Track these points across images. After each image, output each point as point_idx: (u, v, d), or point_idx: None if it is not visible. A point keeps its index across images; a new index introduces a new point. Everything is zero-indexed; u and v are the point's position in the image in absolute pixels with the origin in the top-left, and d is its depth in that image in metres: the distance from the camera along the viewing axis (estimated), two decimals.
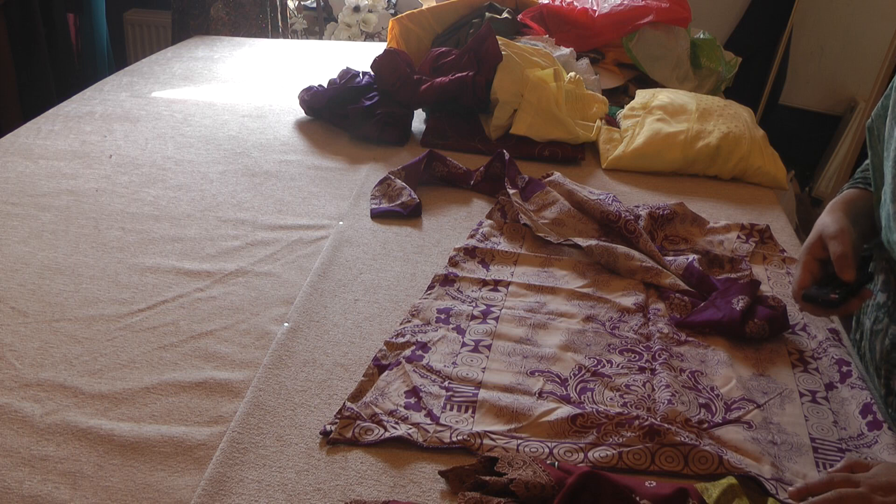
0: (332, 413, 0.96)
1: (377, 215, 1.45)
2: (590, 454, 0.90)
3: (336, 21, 3.19)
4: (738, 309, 1.12)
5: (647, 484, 0.82)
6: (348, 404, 0.97)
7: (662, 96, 1.81)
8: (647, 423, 0.92)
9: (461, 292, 1.22)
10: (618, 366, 1.06)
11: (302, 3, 3.32)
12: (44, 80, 2.85)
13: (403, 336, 1.10)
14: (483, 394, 0.99)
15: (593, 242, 1.30)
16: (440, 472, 0.87)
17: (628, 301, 1.20)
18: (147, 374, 1.02)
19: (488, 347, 1.09)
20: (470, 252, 1.32)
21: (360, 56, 2.34)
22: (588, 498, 0.79)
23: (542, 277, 1.27)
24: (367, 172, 1.63)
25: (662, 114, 1.74)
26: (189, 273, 1.24)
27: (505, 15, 2.13)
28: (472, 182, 1.57)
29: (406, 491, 0.86)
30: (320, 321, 1.14)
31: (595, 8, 2.17)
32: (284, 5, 3.10)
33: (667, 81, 2.07)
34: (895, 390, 1.00)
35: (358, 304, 1.19)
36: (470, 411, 0.96)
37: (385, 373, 1.03)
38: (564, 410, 0.95)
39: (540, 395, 0.99)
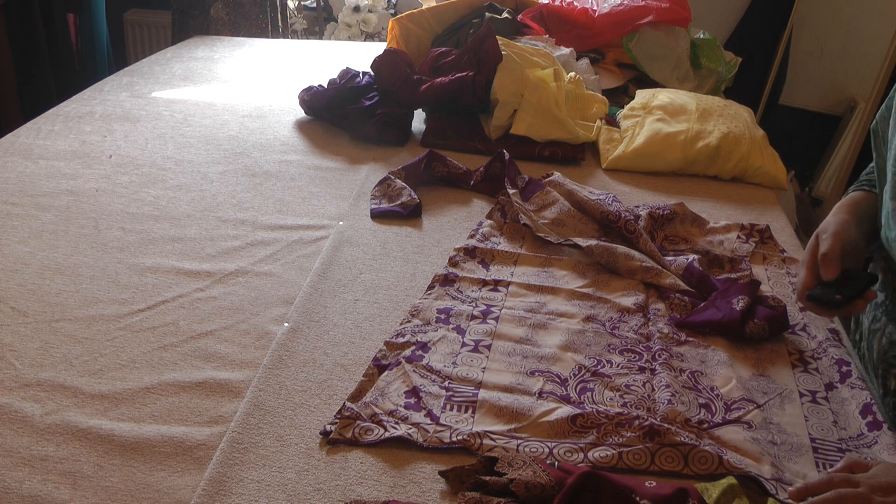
0: (332, 413, 0.96)
1: (377, 215, 1.45)
2: (590, 454, 0.90)
3: (336, 21, 3.19)
4: (738, 309, 1.12)
5: (647, 484, 0.82)
6: (348, 404, 0.97)
7: (662, 96, 1.81)
8: (647, 423, 0.92)
9: (461, 292, 1.22)
10: (618, 366, 1.06)
11: (302, 3, 3.32)
12: (44, 80, 2.85)
13: (403, 336, 1.10)
14: (483, 394, 0.99)
15: (593, 242, 1.30)
16: (440, 472, 0.87)
17: (628, 301, 1.20)
18: (147, 374, 1.02)
19: (488, 347, 1.09)
20: (470, 252, 1.32)
21: (360, 56, 2.34)
22: (588, 498, 0.79)
23: (542, 277, 1.27)
24: (367, 172, 1.63)
25: (662, 114, 1.74)
26: (189, 273, 1.24)
27: (505, 15, 2.13)
28: (472, 182, 1.57)
29: (406, 491, 0.86)
30: (320, 321, 1.14)
31: (595, 8, 2.17)
32: (284, 5, 3.10)
33: (667, 81, 2.07)
34: (892, 390, 1.00)
35: (358, 304, 1.19)
36: (470, 411, 0.96)
37: (385, 373, 1.03)
38: (564, 410, 0.95)
39: (540, 395, 0.99)
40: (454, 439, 0.91)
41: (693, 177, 1.68)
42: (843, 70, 3.05)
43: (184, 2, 2.92)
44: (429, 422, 0.94)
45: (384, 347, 1.08)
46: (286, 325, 1.13)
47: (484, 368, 1.04)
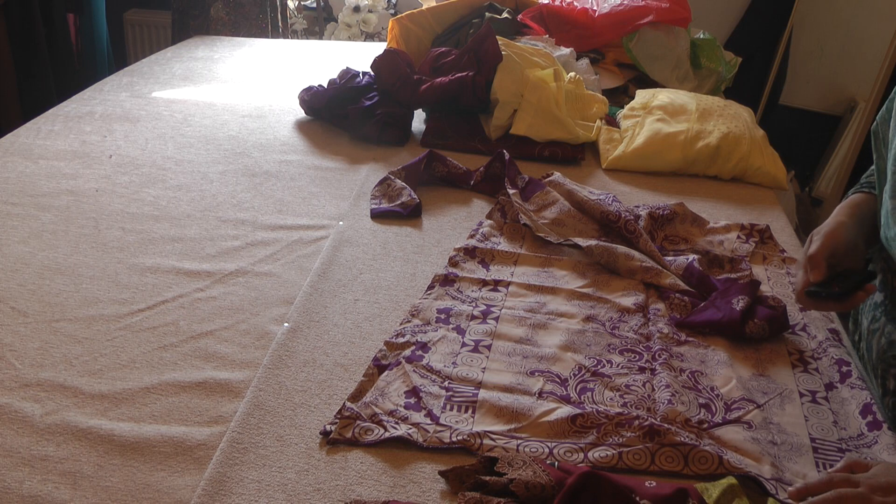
0: (332, 413, 0.96)
1: (377, 215, 1.45)
2: (590, 454, 0.90)
3: (336, 21, 3.19)
4: (738, 309, 1.12)
5: (647, 484, 0.82)
6: (348, 404, 0.97)
7: (662, 96, 1.81)
8: (647, 423, 0.92)
9: (461, 292, 1.22)
10: (618, 366, 1.06)
11: (302, 3, 3.32)
12: (44, 80, 2.85)
13: (403, 336, 1.10)
14: (483, 394, 0.99)
15: (593, 242, 1.30)
16: (440, 472, 0.87)
17: (628, 301, 1.20)
18: (147, 374, 1.02)
19: (488, 347, 1.09)
20: (470, 252, 1.32)
21: (360, 56, 2.34)
22: (588, 498, 0.79)
23: (542, 277, 1.27)
24: (367, 172, 1.63)
25: (662, 114, 1.74)
26: (189, 273, 1.24)
27: (505, 15, 2.13)
28: (472, 182, 1.57)
29: (406, 491, 0.86)
30: (320, 321, 1.14)
31: (595, 8, 2.17)
32: (284, 5, 3.10)
33: (667, 81, 2.07)
34: (891, 390, 1.00)
35: (358, 304, 1.19)
36: (470, 411, 0.96)
37: (385, 373, 1.03)
38: (564, 410, 0.95)
39: (540, 395, 0.99)
40: (454, 439, 0.91)
41: (693, 177, 1.68)
42: (843, 70, 3.05)
43: (184, 2, 2.92)
44: (429, 422, 0.94)
45: (384, 347, 1.08)
46: (286, 325, 1.13)
47: (484, 368, 1.04)
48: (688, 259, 1.27)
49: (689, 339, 1.13)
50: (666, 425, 0.92)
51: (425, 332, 1.11)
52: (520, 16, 2.18)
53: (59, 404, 0.96)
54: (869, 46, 2.92)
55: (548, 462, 0.87)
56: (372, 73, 1.87)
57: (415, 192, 1.50)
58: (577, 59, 2.03)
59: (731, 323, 1.12)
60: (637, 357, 1.08)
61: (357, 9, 3.08)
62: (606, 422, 0.94)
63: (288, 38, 3.12)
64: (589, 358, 1.07)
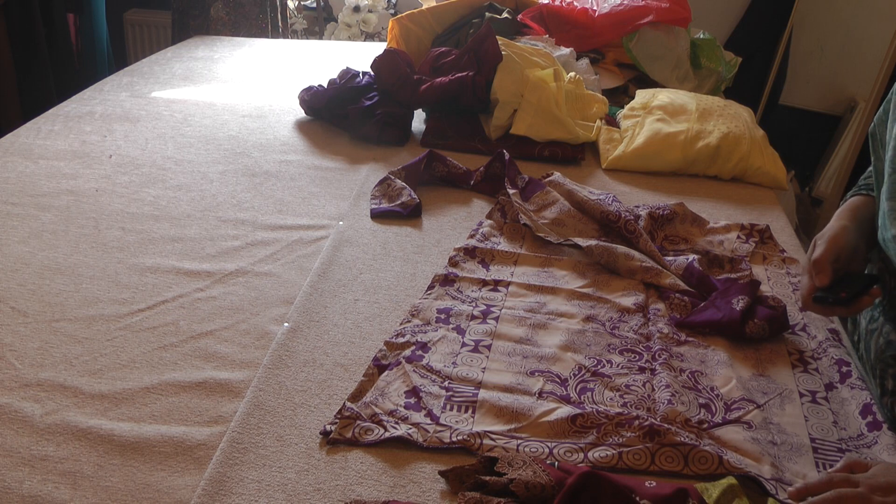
0: (332, 413, 0.96)
1: (377, 215, 1.45)
2: (590, 454, 0.90)
3: (336, 21, 3.19)
4: (738, 309, 1.12)
5: (647, 484, 0.82)
6: (348, 404, 0.97)
7: (662, 96, 1.81)
8: (647, 423, 0.92)
9: (461, 292, 1.22)
10: (618, 366, 1.06)
11: (302, 3, 3.32)
12: (44, 80, 2.85)
13: (403, 336, 1.10)
14: (483, 394, 0.99)
15: (593, 242, 1.30)
16: (440, 472, 0.87)
17: (628, 301, 1.20)
18: (147, 374, 1.02)
19: (488, 347, 1.09)
20: (470, 252, 1.32)
21: (360, 56, 2.34)
22: (588, 498, 0.79)
23: (542, 277, 1.27)
24: (367, 172, 1.63)
25: (662, 114, 1.74)
26: (189, 273, 1.24)
27: (505, 15, 2.13)
28: (472, 182, 1.57)
29: (406, 491, 0.86)
30: (320, 321, 1.14)
31: (595, 8, 2.17)
32: (284, 5, 3.10)
33: (667, 81, 2.07)
34: (889, 389, 1.00)
35: (358, 304, 1.19)
36: (470, 411, 0.96)
37: (385, 373, 1.03)
38: (564, 410, 0.95)
39: (540, 395, 0.99)
40: (454, 439, 0.91)
41: (693, 177, 1.68)
42: (843, 70, 3.05)
43: (184, 2, 2.92)
44: (429, 422, 0.94)
45: (384, 347, 1.08)
46: (286, 324, 1.13)
47: (484, 368, 1.04)
48: (688, 259, 1.27)
49: (689, 339, 1.13)
50: (666, 425, 0.92)
51: (425, 332, 1.11)
52: (520, 16, 2.18)
53: (59, 404, 0.96)
54: (869, 46, 2.92)
55: (548, 462, 0.87)
56: (372, 73, 1.87)
57: (415, 192, 1.50)
58: (577, 59, 2.03)
59: (731, 323, 1.12)
60: (637, 357, 1.08)
61: (357, 9, 3.08)
62: (606, 422, 0.94)
63: (288, 38, 3.12)
64: (589, 358, 1.07)
